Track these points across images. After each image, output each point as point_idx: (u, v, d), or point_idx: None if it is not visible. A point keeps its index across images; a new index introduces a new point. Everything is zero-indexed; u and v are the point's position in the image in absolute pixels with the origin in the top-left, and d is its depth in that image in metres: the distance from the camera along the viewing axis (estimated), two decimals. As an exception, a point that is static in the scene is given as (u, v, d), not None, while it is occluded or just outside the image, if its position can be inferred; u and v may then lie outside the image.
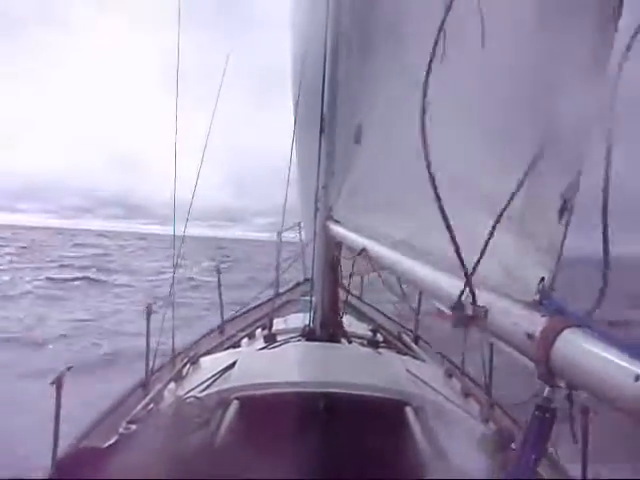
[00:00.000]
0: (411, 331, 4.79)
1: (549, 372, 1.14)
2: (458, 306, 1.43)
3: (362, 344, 3.90)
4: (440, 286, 1.70)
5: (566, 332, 1.09)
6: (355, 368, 3.08)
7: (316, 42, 3.78)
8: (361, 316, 5.05)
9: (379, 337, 4.21)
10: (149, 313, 3.68)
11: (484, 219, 1.45)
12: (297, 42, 4.68)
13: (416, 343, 4.58)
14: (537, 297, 1.28)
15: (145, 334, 3.73)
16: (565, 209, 1.20)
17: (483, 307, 1.39)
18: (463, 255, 1.42)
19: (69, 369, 2.87)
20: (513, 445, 2.32)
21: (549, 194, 1.25)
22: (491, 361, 3.42)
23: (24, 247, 43.64)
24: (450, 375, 3.50)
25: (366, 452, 2.34)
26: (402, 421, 2.50)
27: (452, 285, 1.56)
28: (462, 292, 1.43)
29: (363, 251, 2.72)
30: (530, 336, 1.18)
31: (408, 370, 3.06)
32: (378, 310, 5.42)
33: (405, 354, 3.99)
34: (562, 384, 1.14)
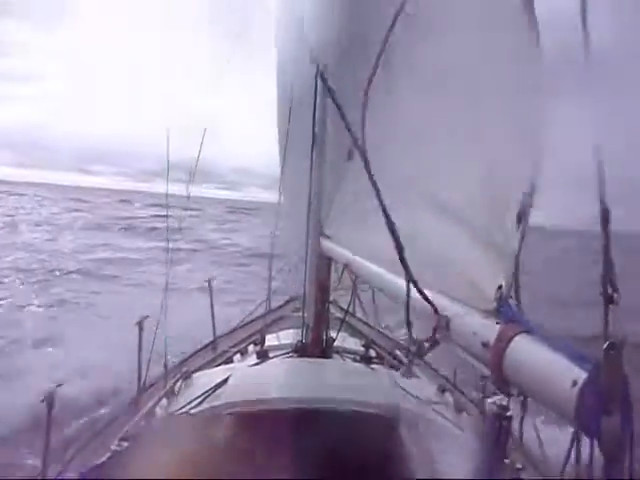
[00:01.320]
0: (404, 347, 4.76)
1: (503, 380, 1.15)
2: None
3: (354, 360, 3.88)
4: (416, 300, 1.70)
5: (516, 339, 1.11)
6: (347, 384, 3.07)
7: (305, 62, 3.83)
8: (354, 332, 5.03)
9: (371, 353, 4.20)
10: (141, 327, 3.66)
11: (450, 228, 1.47)
12: (285, 62, 4.74)
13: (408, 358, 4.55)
14: (495, 305, 1.29)
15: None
16: (522, 217, 1.22)
17: (445, 316, 1.40)
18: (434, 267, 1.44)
19: (59, 386, 2.88)
20: (507, 460, 2.30)
21: (507, 202, 1.27)
22: (484, 376, 3.39)
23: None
24: (443, 390, 3.48)
25: (358, 468, 2.33)
26: (395, 437, 2.49)
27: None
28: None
29: (346, 266, 2.74)
30: (485, 344, 1.20)
31: (400, 386, 3.05)
32: (370, 326, 5.40)
33: (398, 369, 3.97)
34: (515, 392, 1.15)
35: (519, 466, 2.42)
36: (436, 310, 1.41)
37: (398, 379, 3.34)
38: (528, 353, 1.05)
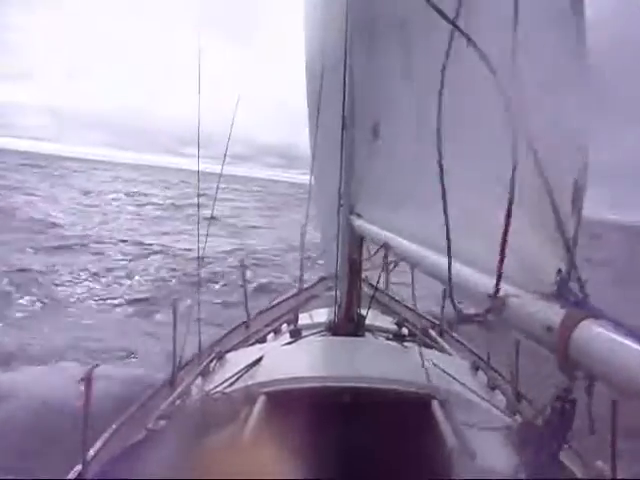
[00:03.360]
0: (437, 324, 4.76)
1: (568, 363, 1.14)
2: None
3: (387, 338, 3.89)
4: (466, 281, 1.68)
5: (584, 323, 1.09)
6: (381, 362, 3.08)
7: (333, 41, 3.78)
8: (386, 310, 5.03)
9: (404, 331, 4.19)
10: (175, 308, 3.70)
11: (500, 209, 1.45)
12: (312, 43, 4.67)
13: (442, 336, 4.55)
14: (555, 288, 1.28)
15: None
16: (577, 199, 1.20)
17: (500, 298, 1.38)
18: (486, 248, 1.42)
19: (97, 366, 2.89)
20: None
21: (562, 183, 1.25)
22: (517, 354, 3.38)
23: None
24: (476, 368, 3.47)
25: (393, 446, 2.35)
26: (428, 415, 2.50)
27: (476, 279, 1.56)
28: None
29: (385, 245, 2.72)
30: (549, 328, 1.18)
31: (434, 364, 3.05)
32: (403, 304, 5.40)
33: (431, 347, 3.97)
34: (581, 375, 1.13)
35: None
36: (497, 292, 1.39)
37: (432, 357, 3.34)
38: (599, 338, 1.04)
